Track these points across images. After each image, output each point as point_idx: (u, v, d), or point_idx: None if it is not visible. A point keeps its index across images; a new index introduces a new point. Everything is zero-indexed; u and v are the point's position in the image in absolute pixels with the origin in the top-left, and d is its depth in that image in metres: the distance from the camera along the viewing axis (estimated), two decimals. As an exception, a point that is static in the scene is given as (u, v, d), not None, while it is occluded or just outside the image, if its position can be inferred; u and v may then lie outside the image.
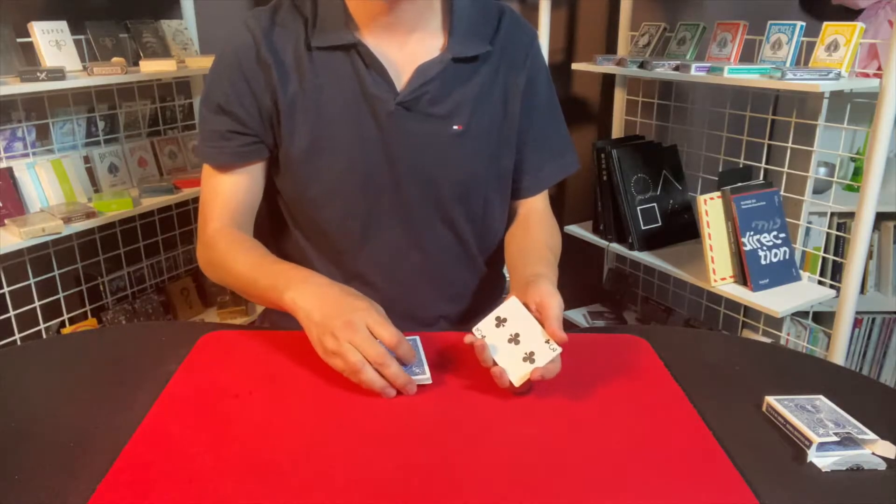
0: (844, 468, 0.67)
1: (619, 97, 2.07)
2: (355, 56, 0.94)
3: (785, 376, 0.86)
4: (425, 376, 0.80)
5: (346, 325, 0.76)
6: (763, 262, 1.55)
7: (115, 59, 1.76)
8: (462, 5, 0.98)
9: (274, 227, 1.09)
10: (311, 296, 0.82)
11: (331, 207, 0.99)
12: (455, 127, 0.97)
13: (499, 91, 1.00)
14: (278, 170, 1.01)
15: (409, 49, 0.96)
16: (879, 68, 1.70)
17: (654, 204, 1.84)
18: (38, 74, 1.52)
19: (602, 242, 1.91)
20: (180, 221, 2.11)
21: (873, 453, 0.68)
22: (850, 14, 1.98)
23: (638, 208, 1.81)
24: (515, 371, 0.77)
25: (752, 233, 1.54)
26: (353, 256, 1.02)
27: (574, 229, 2.01)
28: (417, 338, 0.87)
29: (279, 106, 0.95)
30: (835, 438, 0.68)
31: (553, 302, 0.80)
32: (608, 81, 2.15)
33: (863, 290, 2.03)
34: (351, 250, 1.01)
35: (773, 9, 1.97)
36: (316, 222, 1.01)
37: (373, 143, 0.96)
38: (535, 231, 1.06)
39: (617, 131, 2.09)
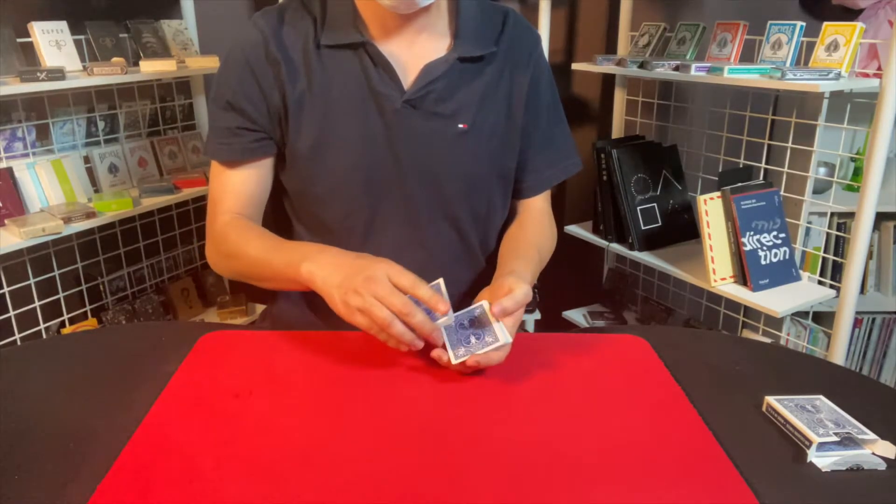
0: (844, 468, 0.67)
1: (619, 97, 2.06)
2: (363, 54, 0.95)
3: (785, 376, 0.86)
4: (446, 318, 0.80)
5: (368, 279, 0.77)
6: (763, 262, 1.55)
7: (115, 59, 1.76)
8: (468, 7, 1.00)
9: (278, 223, 1.10)
10: (328, 263, 0.83)
11: (335, 204, 1.00)
12: (460, 126, 0.98)
13: (503, 91, 1.01)
14: (284, 166, 1.02)
15: (416, 49, 0.97)
16: (879, 68, 1.70)
17: (654, 204, 1.84)
18: (38, 74, 1.52)
19: (602, 242, 1.91)
20: (180, 221, 2.11)
21: (873, 453, 0.68)
22: (850, 14, 1.98)
23: (638, 208, 1.81)
24: (456, 352, 0.80)
25: (752, 233, 1.54)
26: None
27: (574, 229, 2.01)
28: (440, 281, 0.87)
29: (287, 102, 0.96)
30: (835, 438, 0.68)
31: (511, 287, 0.83)
32: (608, 81, 2.15)
33: (863, 290, 2.03)
34: (353, 247, 1.01)
35: (773, 9, 1.97)
36: (320, 218, 1.02)
37: (378, 140, 0.96)
38: (528, 230, 1.06)
39: (617, 131, 2.09)
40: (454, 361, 0.79)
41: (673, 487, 0.64)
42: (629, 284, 2.14)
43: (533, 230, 1.07)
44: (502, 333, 0.80)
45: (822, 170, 1.85)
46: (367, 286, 0.77)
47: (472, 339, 0.81)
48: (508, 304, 0.80)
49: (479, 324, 0.83)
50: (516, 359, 0.84)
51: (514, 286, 0.83)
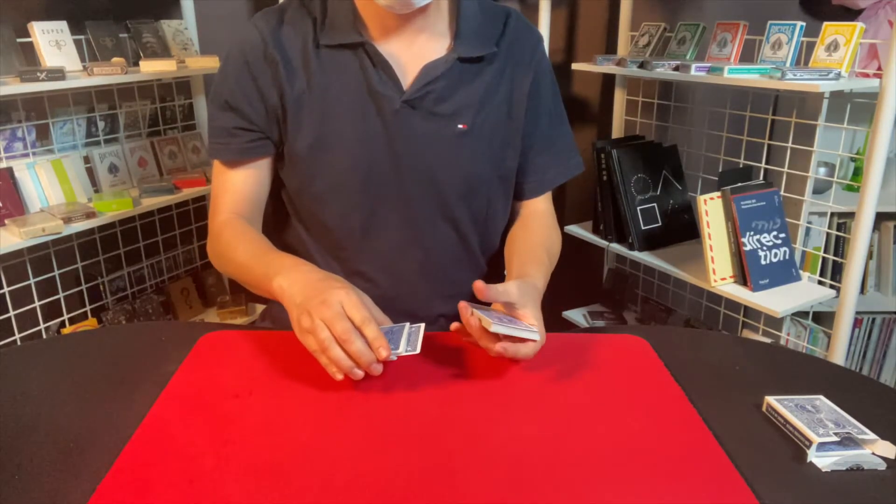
0: (844, 468, 0.67)
1: (619, 97, 2.06)
2: (362, 54, 0.95)
3: (785, 376, 0.86)
4: (397, 351, 0.77)
5: (322, 303, 0.77)
6: (763, 262, 1.55)
7: (115, 59, 1.76)
8: (468, 7, 1.00)
9: (277, 221, 1.10)
10: (296, 281, 0.83)
11: (333, 203, 1.00)
12: (459, 126, 0.98)
13: (504, 92, 1.01)
14: (283, 164, 1.02)
15: (415, 49, 0.97)
16: (879, 68, 1.70)
17: (654, 204, 1.84)
18: (38, 74, 1.52)
19: (602, 242, 1.91)
20: (180, 221, 2.11)
21: (873, 453, 0.68)
22: (850, 14, 1.98)
23: (638, 208, 1.81)
24: (492, 320, 0.77)
25: (752, 233, 1.54)
26: (353, 253, 1.02)
27: (574, 229, 2.01)
28: (421, 325, 0.84)
29: (285, 102, 0.96)
30: (835, 438, 0.68)
31: (507, 287, 0.81)
32: (608, 81, 2.15)
33: (863, 290, 2.03)
34: (352, 246, 1.02)
35: (773, 9, 1.97)
36: (318, 217, 1.02)
37: (377, 140, 0.96)
38: (534, 232, 1.06)
39: (617, 131, 2.09)
40: (492, 328, 0.76)
41: (673, 487, 0.64)
42: (629, 284, 2.14)
43: (539, 232, 1.07)
44: (530, 329, 0.80)
45: (822, 170, 1.85)
46: (319, 309, 0.76)
47: (508, 321, 0.79)
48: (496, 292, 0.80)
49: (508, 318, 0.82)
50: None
51: (505, 286, 0.82)
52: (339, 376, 0.77)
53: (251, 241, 0.96)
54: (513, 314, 0.83)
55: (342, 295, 0.77)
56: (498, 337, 0.80)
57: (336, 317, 0.75)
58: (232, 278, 1.01)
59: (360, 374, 0.77)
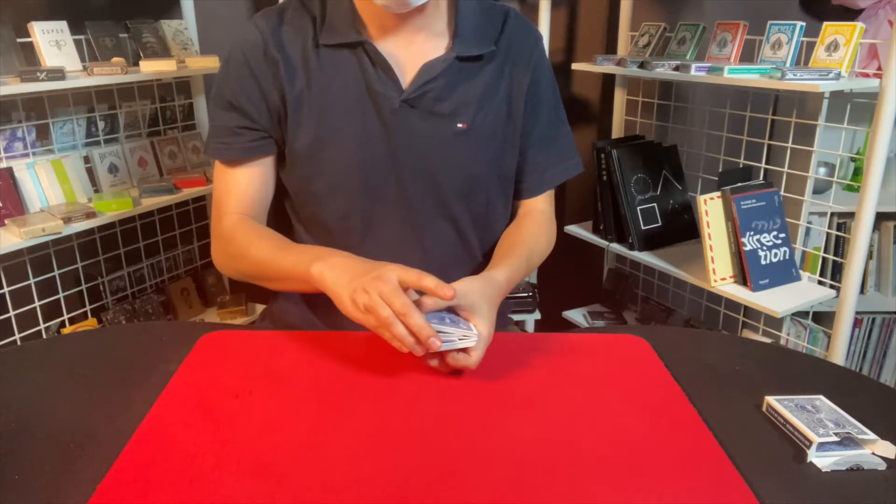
0: (844, 468, 0.67)
1: (619, 97, 2.07)
2: (361, 54, 0.95)
3: (785, 376, 0.86)
4: (472, 334, 0.79)
5: (377, 278, 0.77)
6: (763, 262, 1.55)
7: (115, 59, 1.76)
8: (467, 6, 1.00)
9: (278, 221, 1.10)
10: (338, 265, 0.83)
11: (333, 202, 1.00)
12: (459, 125, 0.98)
13: (503, 91, 1.01)
14: (283, 164, 1.02)
15: (414, 48, 0.97)
16: (879, 68, 1.70)
17: (654, 204, 1.84)
18: (38, 74, 1.52)
19: (602, 242, 1.91)
20: (180, 221, 2.11)
21: (873, 453, 0.68)
22: (850, 14, 1.98)
23: (638, 208, 1.81)
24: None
25: (752, 233, 1.54)
26: (353, 252, 1.02)
27: (574, 229, 2.01)
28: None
29: (286, 101, 0.96)
30: (835, 438, 0.68)
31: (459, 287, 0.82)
32: (608, 81, 2.15)
33: (863, 290, 2.03)
34: (351, 246, 1.02)
35: (773, 9, 1.97)
36: (318, 217, 1.02)
37: (376, 139, 0.97)
38: (523, 231, 1.06)
39: (617, 131, 2.09)
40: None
41: (673, 487, 0.64)
42: (629, 284, 2.14)
43: (528, 231, 1.07)
44: (470, 331, 0.80)
45: (822, 170, 1.85)
46: (375, 284, 0.77)
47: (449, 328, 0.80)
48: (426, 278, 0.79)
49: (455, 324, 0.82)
50: (516, 358, 0.84)
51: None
52: (405, 349, 0.77)
53: (271, 238, 0.96)
54: (460, 314, 0.83)
55: (395, 268, 0.79)
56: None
57: (393, 291, 0.76)
58: (246, 279, 1.00)
59: (421, 350, 0.77)
